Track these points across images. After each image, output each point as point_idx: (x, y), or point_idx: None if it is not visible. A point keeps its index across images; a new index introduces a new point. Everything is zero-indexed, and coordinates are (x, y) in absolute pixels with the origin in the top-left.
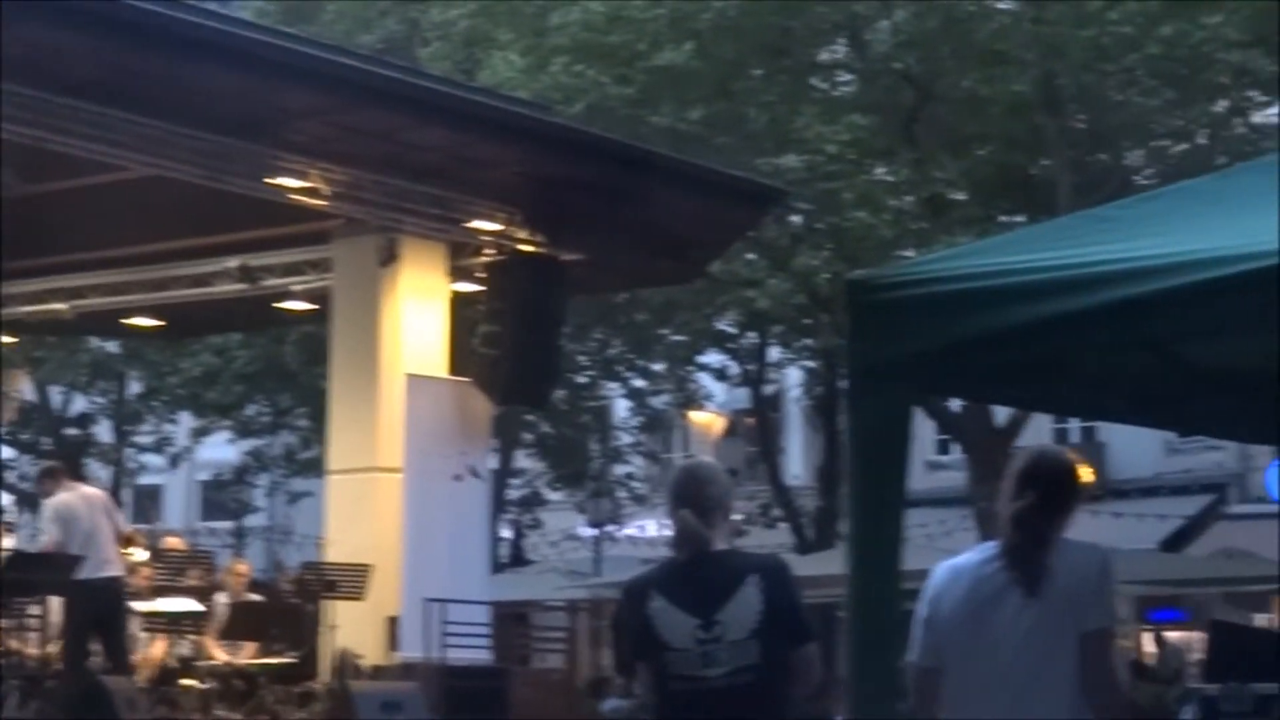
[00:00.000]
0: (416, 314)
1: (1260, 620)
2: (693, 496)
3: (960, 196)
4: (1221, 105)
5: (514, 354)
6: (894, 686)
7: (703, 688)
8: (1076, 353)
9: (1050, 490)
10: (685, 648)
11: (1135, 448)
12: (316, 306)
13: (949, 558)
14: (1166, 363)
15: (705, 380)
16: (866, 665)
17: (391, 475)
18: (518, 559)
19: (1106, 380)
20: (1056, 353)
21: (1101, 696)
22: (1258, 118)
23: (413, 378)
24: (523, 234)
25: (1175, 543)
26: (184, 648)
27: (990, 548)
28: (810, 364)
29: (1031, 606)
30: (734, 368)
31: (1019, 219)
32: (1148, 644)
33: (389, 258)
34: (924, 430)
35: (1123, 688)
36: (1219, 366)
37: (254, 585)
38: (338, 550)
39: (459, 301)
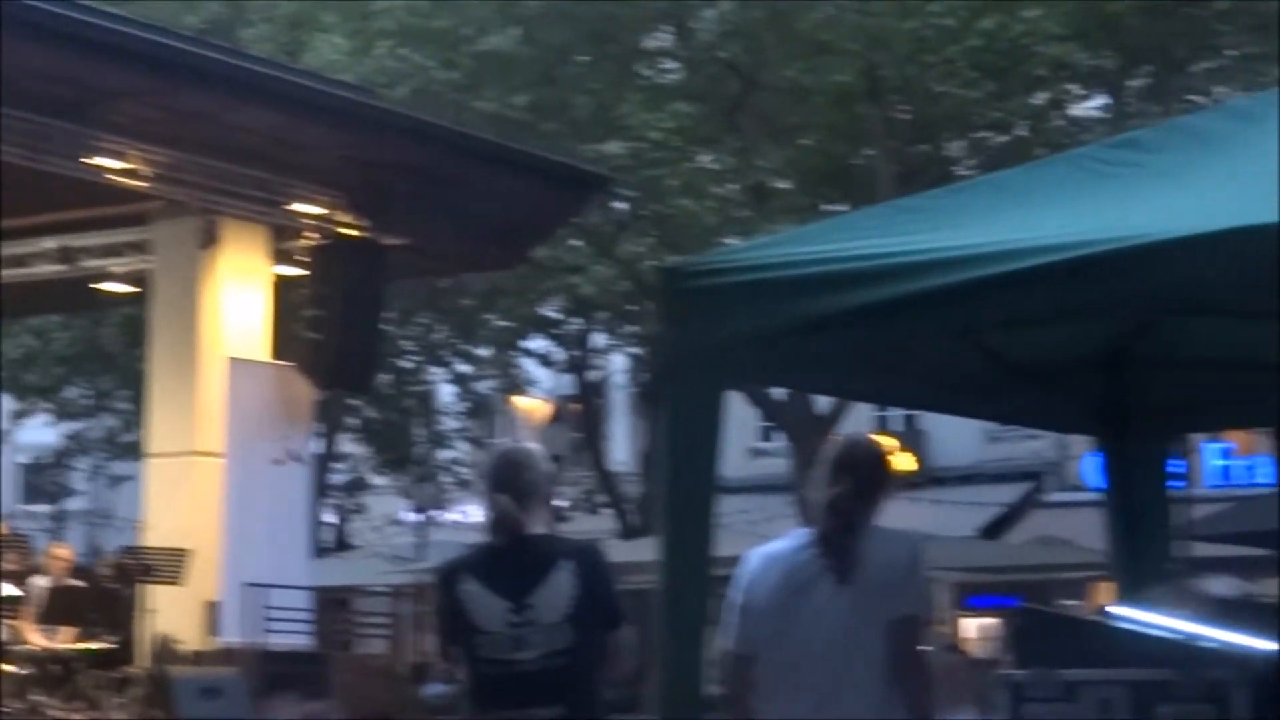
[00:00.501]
0: (238, 297)
1: (1076, 607)
2: (509, 481)
3: (784, 185)
4: (1041, 98)
5: (337, 338)
6: (704, 673)
7: (514, 671)
8: (889, 342)
9: (862, 478)
10: (496, 631)
11: (956, 436)
12: (137, 289)
13: (766, 544)
14: (980, 353)
15: (530, 366)
16: (677, 651)
17: (211, 459)
18: (341, 544)
19: (921, 370)
20: (868, 342)
21: (912, 682)
22: (1076, 110)
23: (234, 361)
24: (346, 218)
25: (994, 530)
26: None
27: (804, 535)
28: (635, 350)
29: (844, 593)
30: (559, 354)
31: (842, 208)
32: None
33: (210, 240)
34: (747, 417)
35: (929, 672)
36: (1032, 357)
37: (75, 570)
38: (156, 534)
39: (282, 285)
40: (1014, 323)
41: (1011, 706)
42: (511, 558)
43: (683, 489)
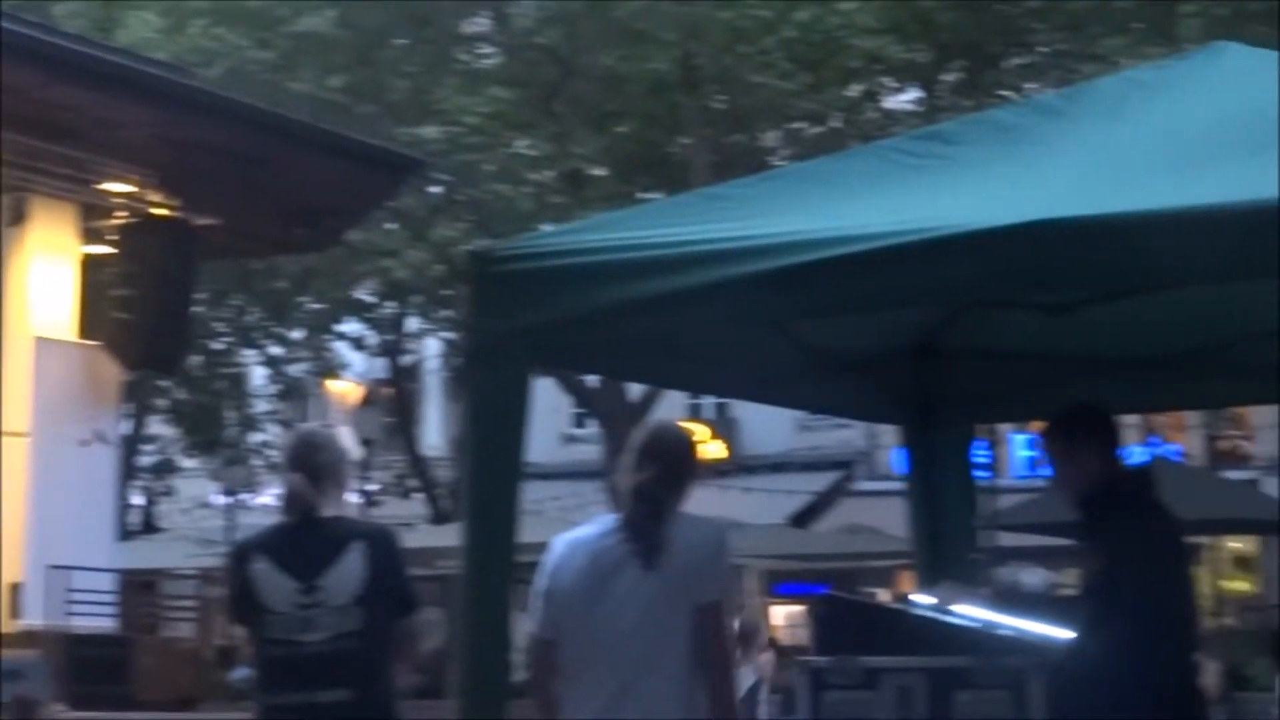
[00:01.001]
0: (45, 275)
1: (884, 595)
2: (304, 461)
3: (600, 172)
4: (855, 90)
5: (146, 319)
6: (506, 658)
7: (301, 652)
8: (697, 330)
9: (669, 465)
10: (285, 611)
11: (767, 424)
12: None
13: (573, 530)
14: (788, 342)
15: (343, 349)
16: (479, 637)
17: (16, 439)
18: (149, 526)
19: (729, 358)
20: (676, 329)
21: (714, 668)
22: (890, 103)
23: (41, 340)
24: (156, 197)
25: (803, 518)
26: None
27: (610, 521)
28: (449, 335)
29: (649, 579)
30: (372, 337)
31: (657, 196)
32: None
33: (18, 218)
34: (561, 403)
35: (733, 658)
36: (840, 347)
37: None
38: None
39: (91, 264)
40: (821, 312)
41: (811, 693)
42: (303, 538)
43: (487, 475)
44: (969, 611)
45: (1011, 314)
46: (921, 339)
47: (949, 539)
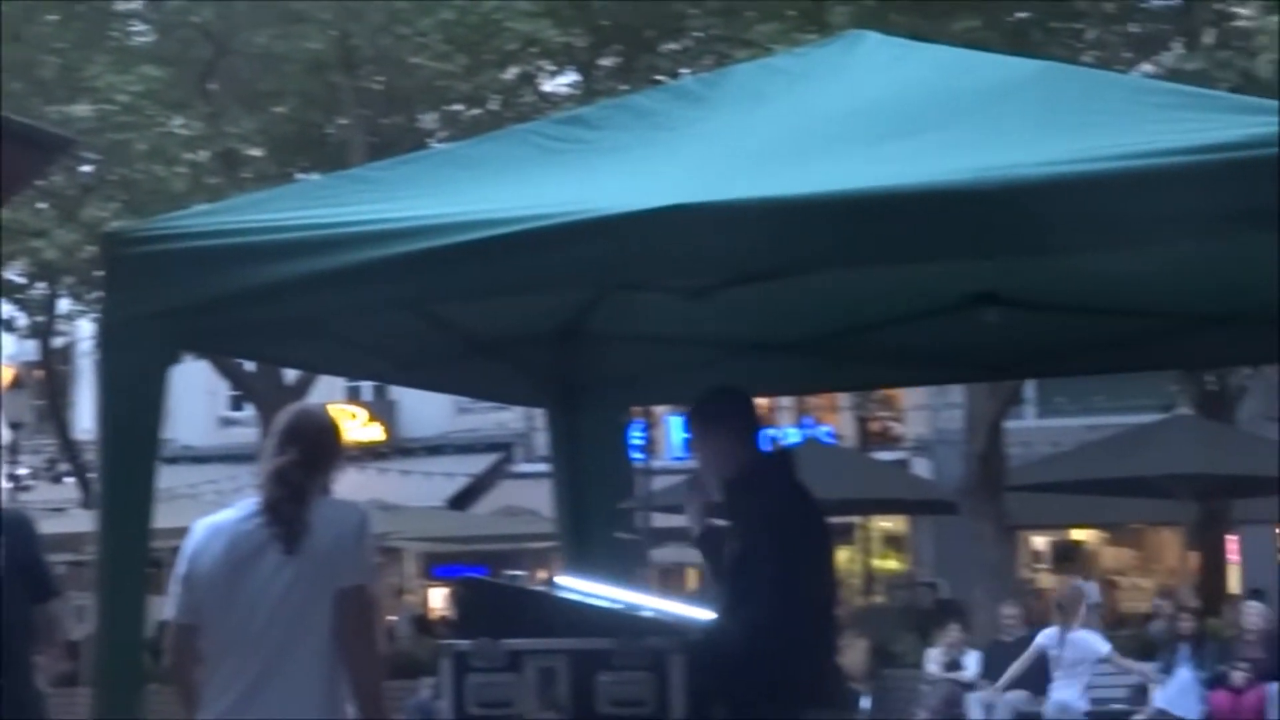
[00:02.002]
0: None
1: (542, 576)
2: None
3: (256, 153)
4: (512, 73)
5: None
6: (140, 645)
7: None
8: (338, 313)
9: (310, 448)
10: None
11: (425, 406)
12: None
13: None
14: (433, 325)
15: None
16: (114, 623)
17: None
18: None
19: (374, 342)
20: (318, 312)
21: (356, 652)
22: (548, 86)
23: None
24: None
25: (461, 500)
26: None
27: (251, 505)
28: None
29: (290, 564)
30: (22, 319)
31: (315, 177)
32: (435, 600)
33: None
34: (217, 386)
35: (378, 644)
36: (485, 330)
37: None
38: None
39: None
40: (464, 295)
41: (455, 676)
42: None
43: (122, 459)
44: (612, 593)
45: (652, 298)
46: (566, 322)
47: (595, 521)
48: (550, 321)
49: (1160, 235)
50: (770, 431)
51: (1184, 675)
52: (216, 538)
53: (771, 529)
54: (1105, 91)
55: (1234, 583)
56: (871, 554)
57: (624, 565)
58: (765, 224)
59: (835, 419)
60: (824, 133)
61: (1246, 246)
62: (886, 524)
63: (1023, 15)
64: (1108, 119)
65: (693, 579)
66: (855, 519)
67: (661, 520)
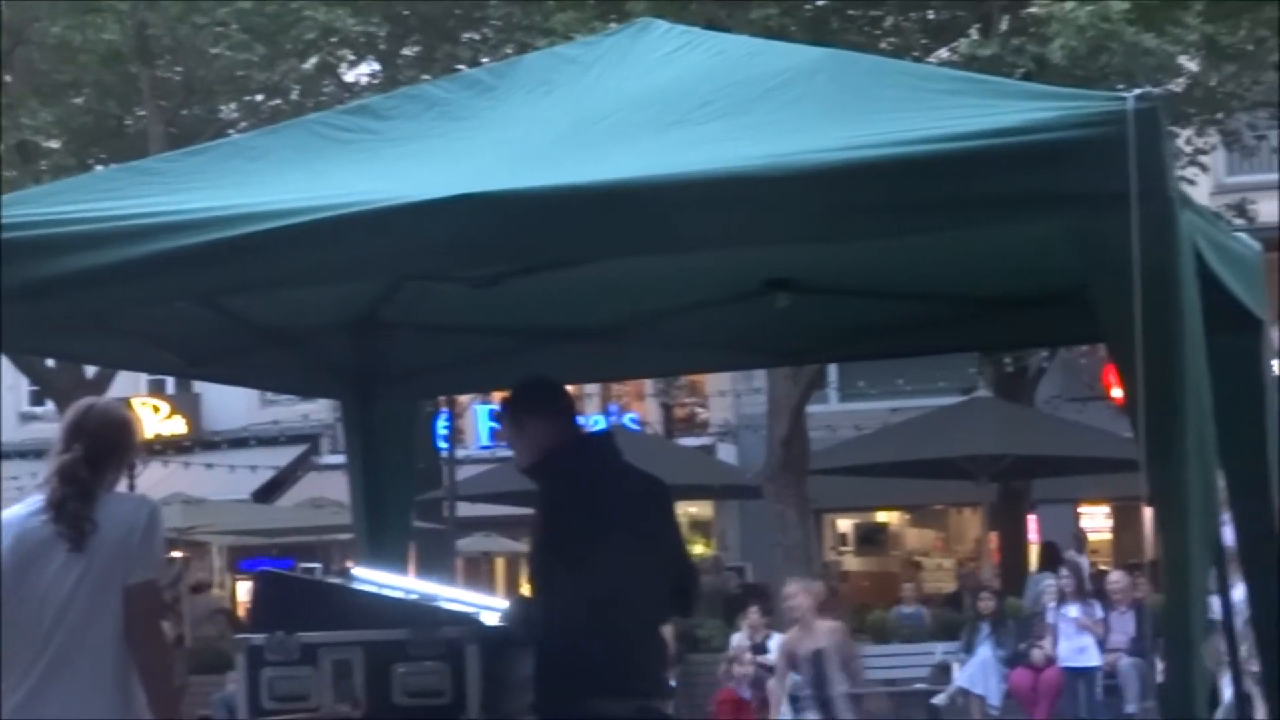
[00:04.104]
0: None
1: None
2: None
3: (54, 145)
4: (312, 63)
5: None
6: None
7: None
8: (121, 307)
9: (96, 443)
10: None
11: (229, 399)
12: None
13: None
14: (225, 318)
15: None
16: None
17: None
18: None
19: (161, 335)
20: (100, 306)
21: (144, 648)
22: (349, 76)
23: None
24: None
25: (267, 493)
26: None
27: (38, 501)
28: None
29: (78, 561)
30: None
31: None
32: (242, 593)
33: None
34: (18, 381)
35: (165, 638)
36: (278, 322)
37: None
38: None
39: None
40: (251, 287)
41: (249, 671)
42: None
43: None
44: (407, 584)
45: (446, 288)
46: (361, 313)
47: (393, 512)
48: (345, 313)
49: (944, 220)
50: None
51: (984, 654)
52: (3, 535)
53: (554, 516)
54: (890, 79)
55: (1034, 561)
56: None
57: (426, 556)
58: (552, 213)
59: (641, 406)
60: (611, 121)
61: (1035, 230)
62: (693, 509)
63: (821, 3)
64: (891, 105)
65: (500, 568)
66: None
67: (467, 510)
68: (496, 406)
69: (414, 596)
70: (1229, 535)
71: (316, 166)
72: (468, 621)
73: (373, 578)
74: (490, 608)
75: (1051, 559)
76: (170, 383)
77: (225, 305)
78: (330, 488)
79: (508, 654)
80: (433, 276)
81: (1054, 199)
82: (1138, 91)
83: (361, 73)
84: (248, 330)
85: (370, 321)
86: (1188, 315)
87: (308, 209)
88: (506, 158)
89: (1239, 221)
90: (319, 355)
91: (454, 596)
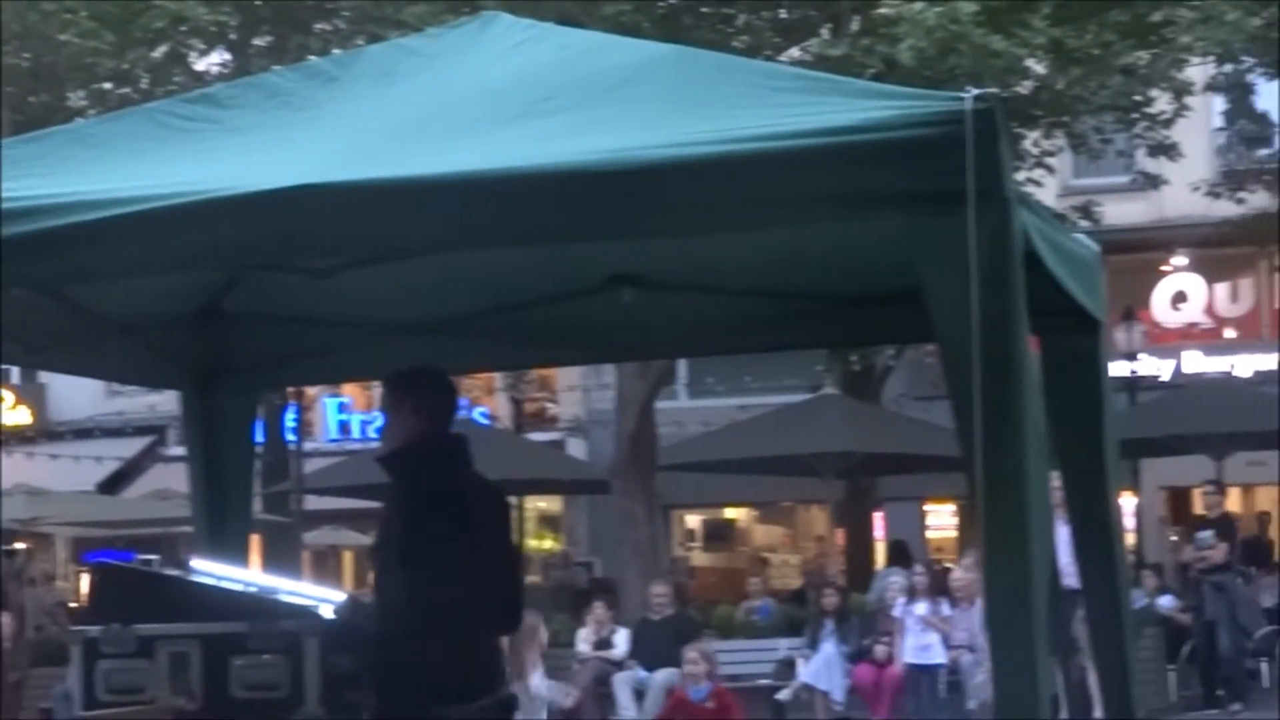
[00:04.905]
0: None
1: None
2: None
3: None
4: (162, 51)
5: None
6: None
7: None
8: None
9: None
10: None
11: (76, 389)
12: None
13: None
14: (65, 307)
15: None
16: None
17: None
18: None
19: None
20: None
21: None
22: (200, 65)
23: None
24: None
25: (112, 484)
26: None
27: None
28: None
29: None
30: None
31: None
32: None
33: None
34: None
35: None
36: (119, 311)
37: None
38: None
39: None
40: (87, 276)
41: (84, 663)
42: None
43: None
44: (246, 576)
45: (286, 279)
46: (203, 304)
47: (231, 505)
48: (187, 303)
49: (783, 216)
50: None
51: (828, 650)
52: None
53: (403, 514)
54: (733, 76)
55: (880, 559)
56: (527, 534)
57: (273, 549)
58: (392, 204)
59: (491, 401)
60: (453, 113)
61: (877, 228)
62: (542, 504)
63: (673, 0)
64: (734, 102)
65: (348, 561)
66: (511, 499)
67: (315, 503)
68: (345, 399)
69: (253, 589)
70: (1064, 534)
71: (155, 155)
72: (307, 615)
73: (212, 570)
74: (332, 601)
75: (900, 556)
76: (15, 372)
77: (65, 293)
78: (177, 479)
79: (348, 648)
80: (272, 267)
81: (892, 197)
82: (976, 92)
83: (212, 62)
84: (89, 319)
85: (213, 312)
86: (1022, 314)
87: (143, 197)
88: (347, 149)
89: (1084, 224)
90: (162, 345)
91: (294, 589)
